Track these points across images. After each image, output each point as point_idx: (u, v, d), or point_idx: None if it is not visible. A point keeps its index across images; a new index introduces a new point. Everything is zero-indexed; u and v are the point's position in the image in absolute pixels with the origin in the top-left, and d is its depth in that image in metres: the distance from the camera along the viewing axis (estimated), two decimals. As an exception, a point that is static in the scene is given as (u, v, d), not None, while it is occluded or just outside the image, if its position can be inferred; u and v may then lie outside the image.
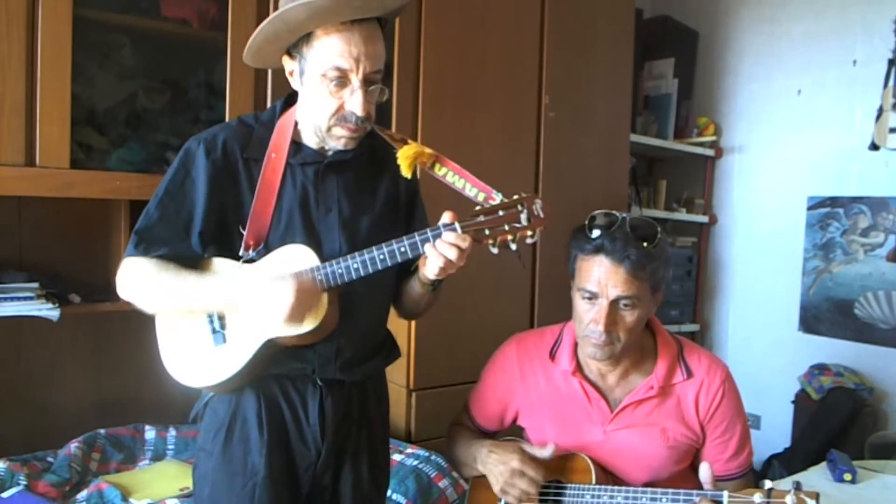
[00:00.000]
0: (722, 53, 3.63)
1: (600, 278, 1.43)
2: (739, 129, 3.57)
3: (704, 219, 3.62)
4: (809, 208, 3.29)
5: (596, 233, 1.46)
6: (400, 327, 2.32)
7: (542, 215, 1.22)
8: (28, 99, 1.72)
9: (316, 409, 1.33)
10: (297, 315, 1.18)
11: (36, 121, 1.74)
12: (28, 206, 2.06)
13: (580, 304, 1.49)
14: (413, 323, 2.29)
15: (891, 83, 2.98)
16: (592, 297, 1.45)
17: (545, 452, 1.48)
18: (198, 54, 2.16)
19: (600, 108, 2.79)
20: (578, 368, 1.56)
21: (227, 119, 1.96)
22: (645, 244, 1.44)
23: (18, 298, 1.87)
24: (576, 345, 1.58)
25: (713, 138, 3.58)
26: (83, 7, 1.79)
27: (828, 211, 3.23)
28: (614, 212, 1.48)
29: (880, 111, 3.02)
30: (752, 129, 3.52)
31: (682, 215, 3.59)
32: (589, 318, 1.46)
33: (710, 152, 3.59)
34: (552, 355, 1.60)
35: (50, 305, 1.89)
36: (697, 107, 3.69)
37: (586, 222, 1.50)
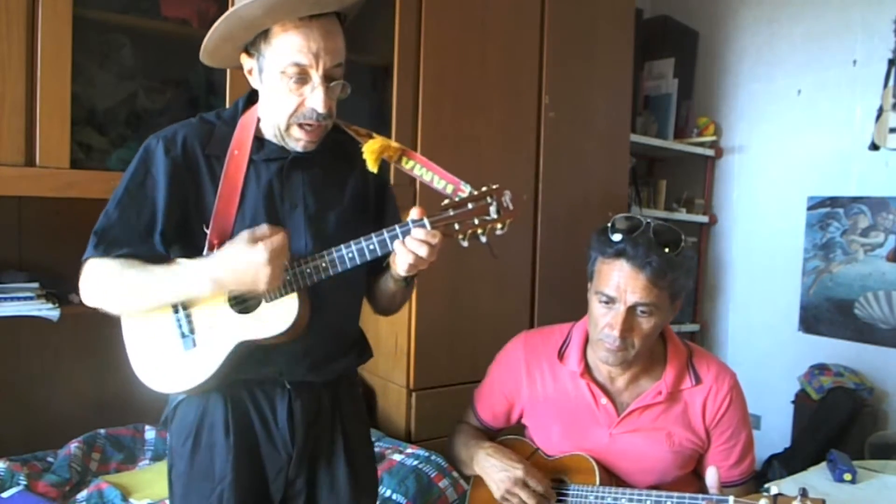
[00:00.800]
0: (722, 53, 3.63)
1: (619, 283, 1.42)
2: (739, 129, 3.58)
3: (704, 219, 3.62)
4: (809, 208, 3.29)
5: (618, 236, 1.44)
6: (400, 327, 2.32)
7: (511, 207, 1.20)
8: (28, 99, 1.72)
9: (284, 412, 1.31)
10: (275, 277, 1.16)
11: (36, 121, 1.73)
12: (28, 206, 2.06)
13: (597, 308, 1.47)
14: (413, 322, 2.29)
15: (891, 83, 2.98)
16: (610, 301, 1.44)
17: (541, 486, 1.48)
18: (198, 54, 2.15)
19: (600, 108, 2.79)
20: (587, 370, 1.56)
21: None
22: (667, 250, 1.42)
23: (18, 298, 1.87)
24: (585, 346, 1.57)
25: (713, 138, 3.59)
26: (83, 7, 1.79)
27: (828, 211, 3.23)
28: (638, 216, 1.47)
29: (880, 111, 3.02)
30: (752, 129, 3.52)
31: (682, 215, 3.59)
32: (605, 322, 1.45)
33: (710, 152, 3.59)
34: (560, 355, 1.59)
35: (50, 305, 1.89)
36: (697, 107, 3.69)
37: (609, 225, 1.47)
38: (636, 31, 2.95)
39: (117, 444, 2.04)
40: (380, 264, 1.34)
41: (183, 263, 1.23)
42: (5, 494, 1.69)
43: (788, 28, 3.36)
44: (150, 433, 2.12)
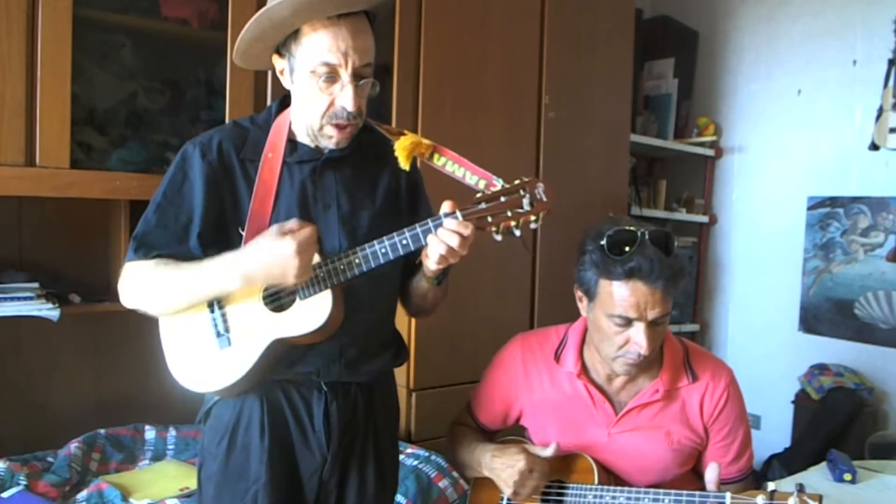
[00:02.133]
0: (722, 53, 3.63)
1: (639, 303, 1.38)
2: (739, 129, 3.58)
3: (704, 219, 3.62)
4: (809, 208, 3.29)
5: (622, 255, 1.39)
6: (400, 327, 2.29)
7: (544, 199, 1.19)
8: (28, 99, 1.72)
9: (321, 415, 1.32)
10: (303, 269, 1.17)
11: (36, 121, 1.73)
12: (28, 206, 2.06)
13: (611, 328, 1.43)
14: (413, 323, 2.29)
15: (891, 83, 2.98)
16: (628, 322, 1.42)
17: (547, 452, 1.47)
18: (198, 54, 2.16)
19: (600, 108, 2.79)
20: (584, 371, 1.56)
21: (226, 119, 1.96)
22: (668, 255, 1.40)
23: (18, 298, 1.87)
24: (581, 347, 1.57)
25: (713, 138, 3.59)
26: (83, 7, 1.79)
27: (828, 211, 3.23)
28: (630, 227, 1.43)
29: (880, 111, 3.02)
30: (752, 129, 3.52)
31: (682, 215, 3.58)
32: (622, 339, 1.42)
33: (710, 152, 3.59)
34: (557, 357, 1.59)
35: (50, 305, 1.88)
36: (697, 107, 3.69)
37: (603, 244, 1.42)
38: (636, 31, 2.95)
39: (117, 444, 2.04)
40: (414, 264, 1.35)
41: (214, 258, 1.24)
42: (5, 494, 1.69)
43: (788, 28, 3.36)
44: (150, 433, 2.11)
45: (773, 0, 3.42)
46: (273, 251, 1.16)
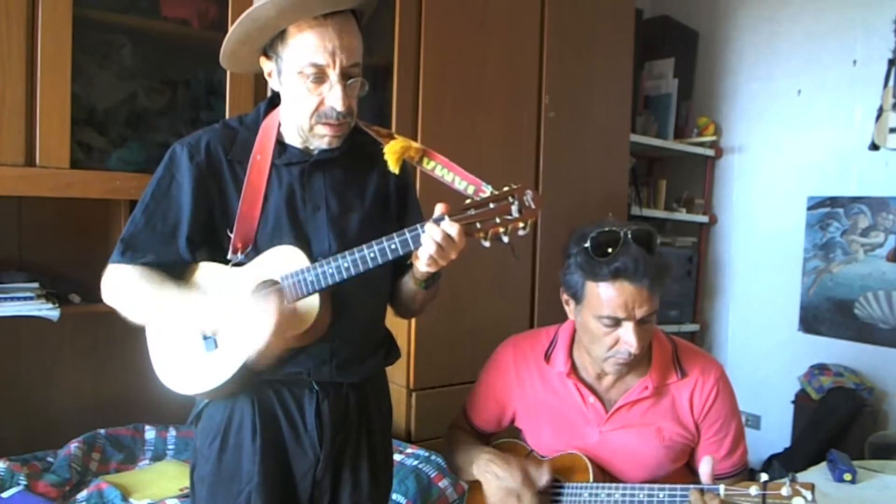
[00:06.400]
0: (722, 53, 3.63)
1: (626, 302, 1.39)
2: (739, 129, 3.58)
3: (704, 219, 3.62)
4: (809, 208, 3.29)
5: (606, 256, 1.40)
6: (400, 327, 2.32)
7: (533, 206, 1.18)
8: (28, 99, 1.72)
9: (313, 415, 1.31)
10: (279, 335, 1.19)
11: (36, 121, 1.73)
12: (28, 206, 2.06)
13: (600, 329, 1.44)
14: (413, 323, 2.29)
15: (891, 83, 2.98)
16: (616, 322, 1.42)
17: (542, 480, 1.48)
18: (198, 54, 2.16)
19: (600, 108, 2.79)
20: (573, 370, 1.56)
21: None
22: (652, 253, 1.41)
23: (18, 298, 1.87)
24: (571, 347, 1.57)
25: (713, 138, 3.59)
26: (83, 7, 1.79)
27: (828, 211, 3.23)
28: (613, 227, 1.43)
29: (880, 111, 3.02)
30: (752, 129, 3.52)
31: (682, 215, 3.59)
32: (611, 340, 1.43)
33: (709, 152, 3.59)
34: (547, 357, 1.60)
35: (50, 305, 1.89)
36: (697, 107, 3.69)
37: (587, 246, 1.43)
38: (636, 31, 2.95)
39: (117, 444, 2.04)
40: (403, 266, 1.34)
41: (193, 298, 1.27)
42: (5, 494, 1.69)
43: (788, 28, 3.36)
44: (150, 433, 2.12)
45: (773, 0, 3.42)
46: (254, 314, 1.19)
